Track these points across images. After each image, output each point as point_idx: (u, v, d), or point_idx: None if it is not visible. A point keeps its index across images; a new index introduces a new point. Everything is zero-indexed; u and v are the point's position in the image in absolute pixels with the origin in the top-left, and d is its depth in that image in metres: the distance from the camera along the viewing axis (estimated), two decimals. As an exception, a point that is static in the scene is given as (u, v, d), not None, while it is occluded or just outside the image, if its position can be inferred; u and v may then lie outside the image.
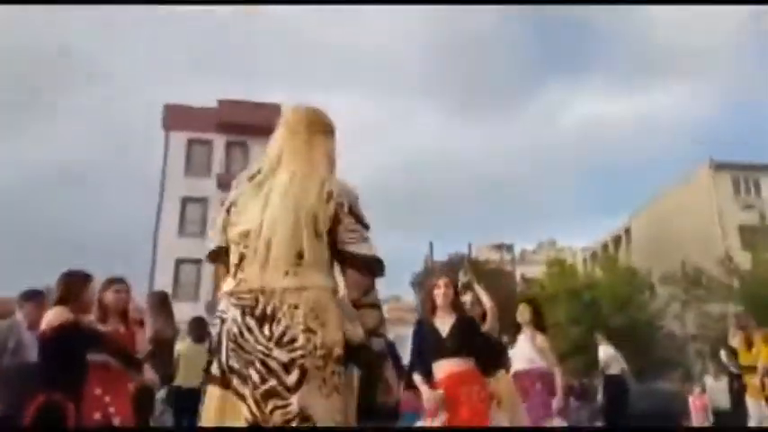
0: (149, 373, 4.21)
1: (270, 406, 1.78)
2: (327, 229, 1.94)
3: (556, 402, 4.67)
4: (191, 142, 28.03)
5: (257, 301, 1.86)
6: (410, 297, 32.16)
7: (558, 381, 4.80)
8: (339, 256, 1.98)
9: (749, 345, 8.83)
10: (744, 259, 23.32)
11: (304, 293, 1.86)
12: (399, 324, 19.75)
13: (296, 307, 1.84)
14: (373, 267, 2.00)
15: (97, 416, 3.65)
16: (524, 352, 4.85)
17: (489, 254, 42.55)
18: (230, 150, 27.73)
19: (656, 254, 28.16)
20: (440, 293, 3.82)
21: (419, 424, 3.82)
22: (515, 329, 5.04)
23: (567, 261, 31.12)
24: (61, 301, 3.69)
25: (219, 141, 27.76)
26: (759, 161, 30.26)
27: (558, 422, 4.64)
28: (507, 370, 4.72)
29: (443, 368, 3.58)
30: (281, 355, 1.80)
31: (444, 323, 3.73)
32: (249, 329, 1.84)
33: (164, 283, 21.22)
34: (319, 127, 2.19)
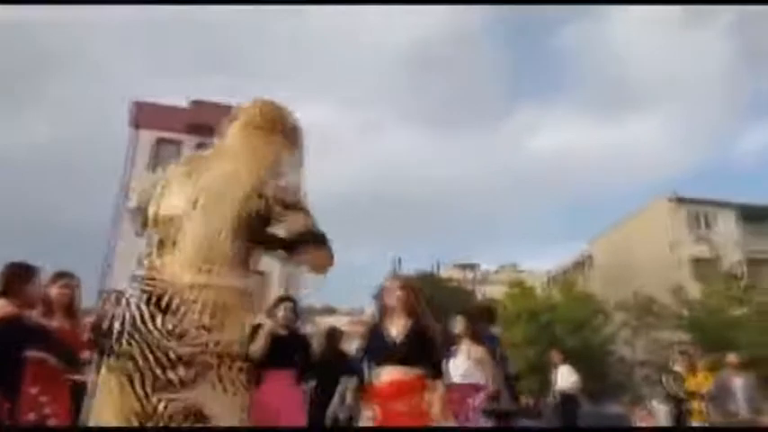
0: (91, 374, 4.07)
1: (158, 398, 1.74)
2: (252, 229, 1.91)
3: (477, 399, 4.61)
4: (159, 142, 27.58)
5: (163, 291, 1.83)
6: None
7: (490, 389, 4.71)
8: (287, 248, 1.98)
9: (693, 371, 9.20)
10: (694, 290, 24.08)
11: (208, 291, 1.83)
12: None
13: (195, 302, 1.82)
14: (310, 239, 1.97)
15: (31, 416, 3.49)
16: (460, 365, 4.73)
17: (453, 272, 42.98)
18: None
19: (613, 280, 28.84)
20: (393, 296, 3.61)
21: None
22: (453, 342, 4.86)
23: (528, 283, 31.59)
24: (2, 293, 3.55)
25: (190, 143, 27.29)
26: (716, 197, 31.47)
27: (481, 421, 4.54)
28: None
29: (389, 374, 3.38)
30: (177, 348, 1.77)
31: (398, 328, 3.53)
32: (150, 318, 1.81)
33: (117, 283, 20.74)
34: (281, 127, 2.12)
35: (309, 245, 1.97)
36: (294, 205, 1.97)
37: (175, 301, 1.81)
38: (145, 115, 27.51)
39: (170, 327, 1.79)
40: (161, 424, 1.72)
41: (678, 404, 9.39)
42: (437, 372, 3.48)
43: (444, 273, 39.14)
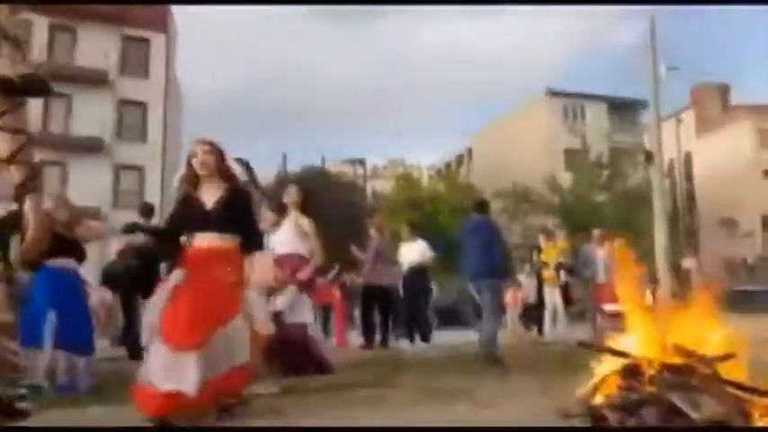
0: None
1: None
2: None
3: (301, 273, 4.45)
4: None
5: None
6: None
7: (313, 263, 4.57)
8: None
9: (553, 246, 10.22)
10: (566, 178, 25.95)
11: None
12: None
13: None
14: None
15: None
16: (286, 236, 4.49)
17: (342, 167, 43.27)
18: (55, 35, 24.39)
19: (492, 172, 30.26)
20: (197, 162, 3.25)
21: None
22: (281, 211, 4.60)
23: (414, 176, 32.48)
24: None
25: (41, 23, 24.13)
26: (587, 91, 33.27)
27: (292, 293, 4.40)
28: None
29: (204, 240, 3.18)
30: None
31: (210, 194, 3.24)
32: None
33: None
34: None
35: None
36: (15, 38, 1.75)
37: None
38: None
39: None
40: None
41: (538, 275, 10.38)
42: (252, 238, 3.31)
43: (334, 168, 39.37)
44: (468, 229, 6.51)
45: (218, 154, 3.30)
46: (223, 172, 3.30)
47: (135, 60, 25.19)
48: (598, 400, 2.60)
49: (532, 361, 5.85)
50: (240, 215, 3.25)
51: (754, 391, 2.49)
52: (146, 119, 25.17)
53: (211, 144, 3.32)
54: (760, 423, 2.18)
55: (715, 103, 31.61)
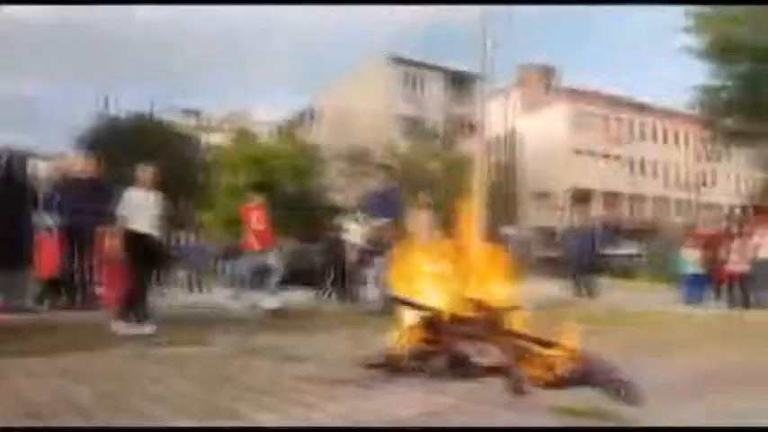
0: None
1: None
2: None
3: None
4: None
5: None
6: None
7: None
8: None
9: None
10: (403, 144, 26.89)
11: None
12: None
13: None
14: None
15: None
16: None
17: (176, 117, 40.84)
18: None
19: (332, 133, 30.42)
20: None
21: None
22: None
23: (252, 132, 31.69)
24: None
25: None
26: (429, 60, 34.37)
27: None
28: None
29: None
30: None
31: None
32: None
33: None
34: None
35: None
36: None
37: None
38: None
39: None
40: None
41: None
42: None
43: (168, 118, 37.05)
44: None
45: None
46: None
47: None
48: (400, 350, 2.73)
49: (348, 320, 6.01)
50: None
51: (535, 341, 2.76)
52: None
53: None
54: (530, 371, 2.40)
55: (539, 83, 34.29)
